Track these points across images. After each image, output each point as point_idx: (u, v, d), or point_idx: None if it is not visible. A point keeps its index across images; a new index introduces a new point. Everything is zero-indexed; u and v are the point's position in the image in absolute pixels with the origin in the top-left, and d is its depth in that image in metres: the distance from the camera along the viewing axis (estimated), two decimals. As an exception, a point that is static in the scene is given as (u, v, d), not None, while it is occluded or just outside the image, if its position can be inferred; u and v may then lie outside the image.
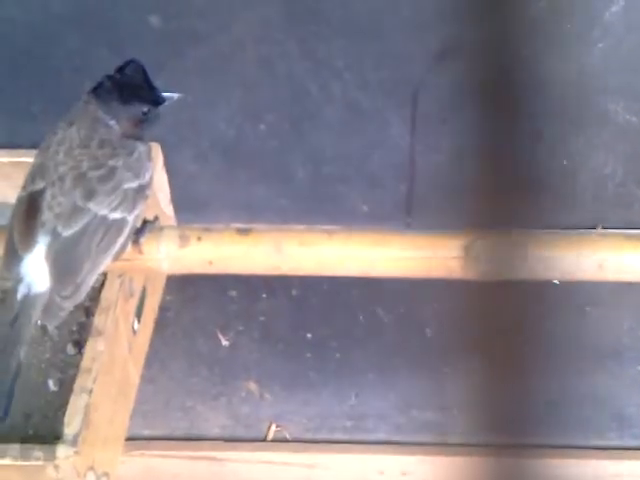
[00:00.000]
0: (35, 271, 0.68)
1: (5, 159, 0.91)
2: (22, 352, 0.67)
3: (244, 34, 0.87)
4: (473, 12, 0.84)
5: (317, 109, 0.92)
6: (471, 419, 1.22)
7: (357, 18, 0.86)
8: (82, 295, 0.69)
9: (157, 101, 0.74)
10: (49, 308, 0.68)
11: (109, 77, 0.73)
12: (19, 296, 0.67)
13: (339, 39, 0.87)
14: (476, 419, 1.22)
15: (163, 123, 0.91)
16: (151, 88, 0.74)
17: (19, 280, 0.68)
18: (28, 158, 0.88)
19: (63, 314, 0.69)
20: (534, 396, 1.19)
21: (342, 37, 0.87)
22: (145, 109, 0.74)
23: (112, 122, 0.73)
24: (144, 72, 0.73)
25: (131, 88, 0.73)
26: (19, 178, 0.87)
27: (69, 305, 0.68)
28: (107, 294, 0.81)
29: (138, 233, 0.73)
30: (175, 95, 0.75)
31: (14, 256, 0.68)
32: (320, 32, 0.87)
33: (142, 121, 0.74)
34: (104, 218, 0.68)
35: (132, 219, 0.71)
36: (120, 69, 0.73)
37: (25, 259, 0.68)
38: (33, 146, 0.87)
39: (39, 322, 0.69)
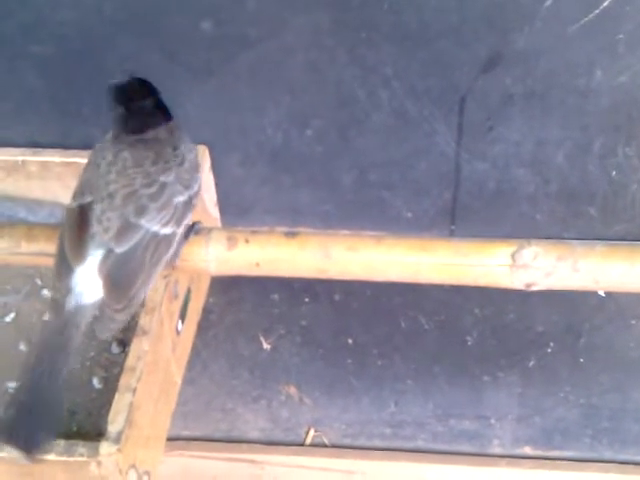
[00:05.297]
0: (86, 283, 0.69)
1: (57, 159, 0.92)
2: (70, 361, 0.68)
3: (294, 40, 0.87)
4: (521, 20, 0.84)
5: (364, 115, 0.92)
6: (509, 429, 1.21)
7: (406, 26, 0.86)
8: (135, 307, 0.70)
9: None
10: (102, 320, 0.69)
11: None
12: (68, 305, 0.68)
13: (388, 46, 0.87)
14: (514, 430, 1.21)
15: (211, 127, 0.93)
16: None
17: (69, 290, 0.69)
18: (79, 159, 0.91)
19: (115, 326, 0.70)
20: (575, 408, 1.17)
21: (391, 44, 0.87)
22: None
23: None
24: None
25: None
26: (70, 178, 0.89)
27: (122, 318, 0.69)
28: (152, 295, 0.81)
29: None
30: None
31: (66, 267, 0.69)
32: (369, 39, 0.87)
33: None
34: (155, 234, 0.70)
35: (181, 230, 0.72)
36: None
37: (76, 271, 0.69)
38: (84, 147, 0.90)
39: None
